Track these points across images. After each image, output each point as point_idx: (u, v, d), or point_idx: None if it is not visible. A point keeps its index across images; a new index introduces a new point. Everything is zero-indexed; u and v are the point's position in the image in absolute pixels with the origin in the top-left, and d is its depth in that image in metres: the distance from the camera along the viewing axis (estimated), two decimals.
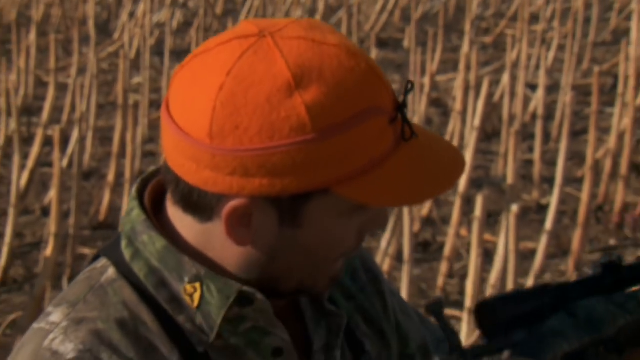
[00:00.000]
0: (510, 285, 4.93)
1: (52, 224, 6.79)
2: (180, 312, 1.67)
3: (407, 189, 1.65)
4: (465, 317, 5.40)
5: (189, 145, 1.61)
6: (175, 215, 1.71)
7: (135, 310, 1.66)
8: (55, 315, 1.65)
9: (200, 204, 1.65)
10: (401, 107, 1.65)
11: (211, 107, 1.58)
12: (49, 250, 6.67)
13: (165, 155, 1.69)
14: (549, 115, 11.17)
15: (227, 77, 1.59)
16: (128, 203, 1.74)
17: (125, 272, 1.69)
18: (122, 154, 8.72)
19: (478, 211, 5.19)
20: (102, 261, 1.72)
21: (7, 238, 7.68)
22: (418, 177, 1.65)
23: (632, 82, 9.44)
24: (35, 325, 1.67)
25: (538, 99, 10.49)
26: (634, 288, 1.94)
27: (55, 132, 7.00)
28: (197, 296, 1.66)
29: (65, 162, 8.75)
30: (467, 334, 5.35)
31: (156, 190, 1.79)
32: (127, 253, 1.70)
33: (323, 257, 1.70)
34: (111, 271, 1.69)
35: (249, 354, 1.71)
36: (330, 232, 1.67)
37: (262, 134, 1.57)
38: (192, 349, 1.66)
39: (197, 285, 1.66)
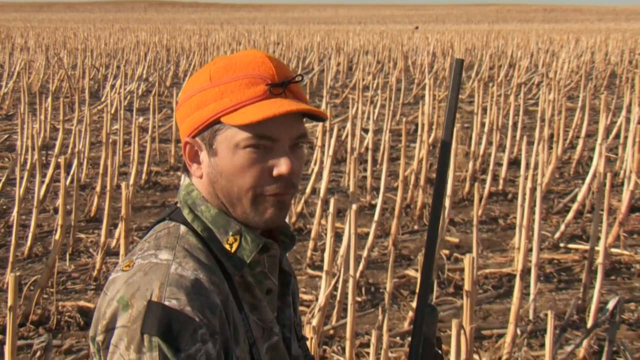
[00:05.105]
0: (352, 257, 4.81)
1: (60, 218, 6.68)
2: (222, 255, 1.68)
3: (252, 115, 1.63)
4: (324, 276, 5.30)
5: (196, 98, 1.69)
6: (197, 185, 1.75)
7: (202, 251, 1.68)
8: (163, 255, 1.63)
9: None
10: (284, 83, 1.67)
11: (208, 73, 1.69)
12: (57, 235, 6.55)
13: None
14: (376, 148, 11.22)
15: (211, 66, 1.71)
16: (185, 187, 1.75)
17: (190, 228, 1.70)
18: (105, 174, 8.56)
19: (332, 208, 5.10)
20: (170, 223, 1.72)
21: (32, 228, 7.56)
22: (262, 110, 1.63)
23: (426, 128, 9.60)
24: (144, 261, 1.63)
25: (369, 138, 10.47)
26: None
27: (62, 160, 6.95)
28: (235, 245, 1.68)
29: (68, 180, 8.62)
30: (324, 289, 5.25)
31: None
32: (188, 217, 1.71)
33: (238, 184, 1.67)
34: (182, 228, 1.70)
35: (255, 290, 1.72)
36: (232, 160, 1.66)
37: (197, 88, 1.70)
38: (229, 277, 1.68)
39: (238, 237, 1.69)
